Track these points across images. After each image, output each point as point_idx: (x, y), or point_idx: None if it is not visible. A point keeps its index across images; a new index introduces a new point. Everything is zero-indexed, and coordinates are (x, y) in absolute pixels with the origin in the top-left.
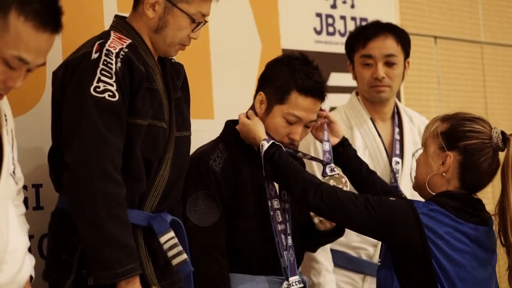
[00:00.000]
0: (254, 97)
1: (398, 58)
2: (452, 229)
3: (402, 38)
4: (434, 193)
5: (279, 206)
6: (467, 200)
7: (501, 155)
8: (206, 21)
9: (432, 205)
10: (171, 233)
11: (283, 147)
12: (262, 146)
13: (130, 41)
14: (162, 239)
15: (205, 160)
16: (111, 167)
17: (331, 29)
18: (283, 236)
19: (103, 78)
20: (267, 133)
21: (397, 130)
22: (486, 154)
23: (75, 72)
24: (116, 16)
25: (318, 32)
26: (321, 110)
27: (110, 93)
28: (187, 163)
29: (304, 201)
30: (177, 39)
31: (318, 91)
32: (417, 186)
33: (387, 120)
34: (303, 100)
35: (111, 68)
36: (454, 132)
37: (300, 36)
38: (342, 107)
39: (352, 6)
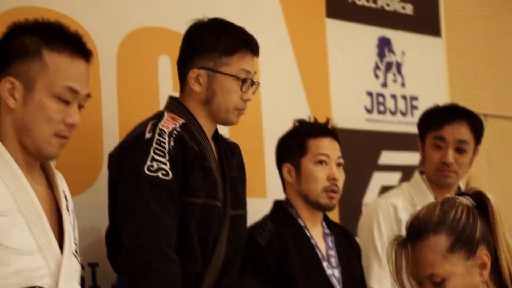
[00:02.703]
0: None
1: (470, 146)
2: None
3: (477, 126)
4: None
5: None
6: None
7: None
8: (254, 81)
9: None
10: None
11: None
12: None
13: (183, 121)
14: None
15: (251, 235)
16: (166, 246)
17: (381, 108)
18: None
19: (156, 157)
20: None
21: None
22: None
23: (130, 153)
24: (170, 97)
25: (369, 111)
26: None
27: (164, 172)
28: (244, 242)
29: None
30: (230, 104)
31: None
32: None
33: None
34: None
35: (164, 147)
36: (462, 234)
37: (351, 114)
38: (405, 185)
39: (403, 85)
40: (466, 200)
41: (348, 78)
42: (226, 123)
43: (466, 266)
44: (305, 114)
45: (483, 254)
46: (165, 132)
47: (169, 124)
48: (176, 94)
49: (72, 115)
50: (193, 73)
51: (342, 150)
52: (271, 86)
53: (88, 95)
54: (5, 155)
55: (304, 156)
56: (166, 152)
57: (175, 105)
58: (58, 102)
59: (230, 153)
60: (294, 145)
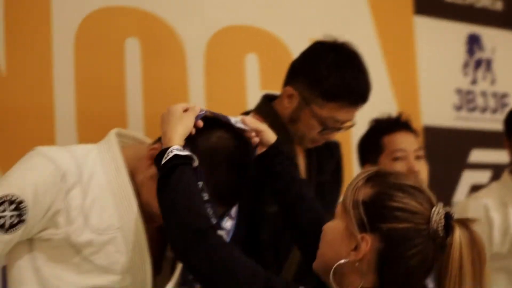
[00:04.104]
0: None
1: None
2: None
3: None
4: None
5: None
6: None
7: None
8: (341, 127)
9: None
10: None
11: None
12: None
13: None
14: None
15: None
16: None
17: (471, 105)
18: None
19: None
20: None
21: None
22: (417, 246)
23: None
24: (263, 96)
25: (458, 108)
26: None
27: None
28: None
29: (182, 250)
30: (308, 136)
31: None
32: (319, 269)
33: None
34: None
35: None
36: (378, 206)
37: (440, 112)
38: (495, 185)
39: (493, 82)
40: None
41: (437, 75)
42: (298, 144)
43: (347, 231)
44: (393, 112)
45: (364, 240)
46: None
47: None
48: (264, 91)
49: None
50: (288, 90)
51: (431, 149)
52: None
53: None
54: (123, 172)
55: (381, 155)
56: None
57: (264, 106)
58: None
59: (327, 154)
60: (370, 145)
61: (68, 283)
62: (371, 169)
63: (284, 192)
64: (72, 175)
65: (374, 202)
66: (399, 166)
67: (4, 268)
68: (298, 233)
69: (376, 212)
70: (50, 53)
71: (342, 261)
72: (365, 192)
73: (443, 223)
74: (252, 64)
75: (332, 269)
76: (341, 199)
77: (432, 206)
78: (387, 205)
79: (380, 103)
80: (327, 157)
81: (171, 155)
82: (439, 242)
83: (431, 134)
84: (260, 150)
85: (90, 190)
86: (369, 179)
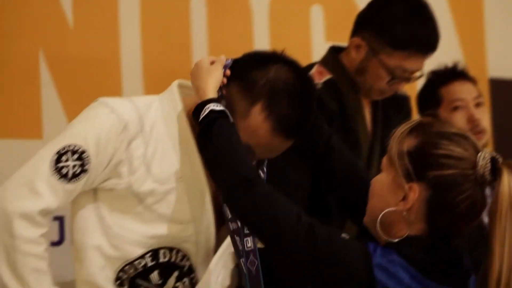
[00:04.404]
0: None
1: None
2: None
3: None
4: (389, 237)
5: None
6: (441, 252)
7: None
8: (412, 77)
9: (392, 254)
10: None
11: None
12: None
13: (329, 76)
14: None
15: None
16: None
17: None
18: None
19: None
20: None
21: None
22: (465, 191)
23: None
24: (330, 48)
25: None
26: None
27: None
28: None
29: (229, 198)
30: (376, 87)
31: None
32: (368, 222)
33: None
34: None
35: None
36: (424, 155)
37: (507, 64)
38: None
39: None
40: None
41: (504, 25)
42: (365, 97)
43: (394, 183)
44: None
45: (412, 189)
46: None
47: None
48: (329, 44)
49: None
50: (356, 41)
51: (497, 101)
52: None
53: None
54: (184, 122)
55: (440, 106)
56: None
57: (330, 58)
58: None
59: (395, 107)
60: (428, 98)
61: (132, 232)
62: (414, 120)
63: (313, 145)
64: (134, 125)
65: (419, 151)
66: (459, 116)
67: (62, 218)
68: (332, 184)
69: (422, 161)
70: (116, 4)
71: (390, 209)
72: (409, 143)
73: (489, 167)
74: (317, 16)
75: (379, 218)
76: None
77: (477, 151)
78: (433, 153)
79: (446, 55)
80: (395, 110)
81: (207, 111)
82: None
83: (497, 86)
84: None
85: (151, 140)
86: (413, 130)
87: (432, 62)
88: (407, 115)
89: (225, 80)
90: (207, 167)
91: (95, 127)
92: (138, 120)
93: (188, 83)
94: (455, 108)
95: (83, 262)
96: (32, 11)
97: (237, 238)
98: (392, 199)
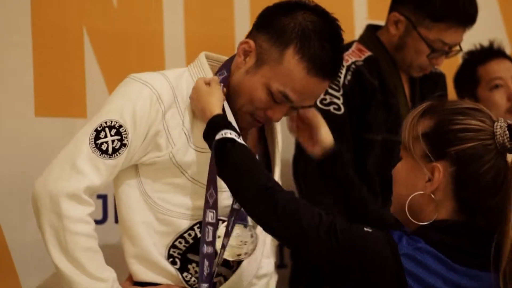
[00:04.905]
0: None
1: None
2: (442, 281)
3: None
4: (419, 222)
5: None
6: (468, 233)
7: None
8: (449, 51)
9: (419, 242)
10: None
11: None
12: (213, 124)
13: (369, 54)
14: None
15: None
16: None
17: None
18: None
19: (330, 90)
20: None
21: None
22: (488, 161)
23: None
24: (368, 26)
25: None
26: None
27: (336, 106)
28: None
29: (252, 208)
30: (415, 62)
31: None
32: (396, 211)
33: None
34: None
35: (338, 81)
36: (441, 133)
37: None
38: None
39: None
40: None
41: None
42: (406, 73)
43: (415, 167)
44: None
45: (436, 168)
46: (343, 66)
47: (351, 57)
48: (371, 22)
49: (275, 112)
50: (394, 16)
51: None
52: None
53: (309, 106)
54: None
55: (478, 86)
56: (340, 86)
57: (368, 36)
58: (268, 96)
59: (432, 84)
60: (466, 78)
61: (177, 205)
62: (423, 104)
63: (346, 198)
64: (167, 96)
65: (436, 130)
66: (499, 95)
67: (105, 197)
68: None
69: (440, 140)
70: None
71: (417, 193)
72: (423, 125)
73: (508, 135)
74: None
75: (407, 202)
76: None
77: (493, 122)
78: (450, 129)
79: (489, 30)
80: (432, 87)
81: (218, 137)
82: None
83: None
84: (313, 148)
85: (187, 110)
86: (424, 113)
87: (477, 39)
88: (443, 92)
89: (224, 97)
90: (228, 186)
91: (129, 101)
92: (170, 91)
93: (214, 55)
94: (494, 87)
95: (134, 239)
96: None
97: None
98: (418, 183)
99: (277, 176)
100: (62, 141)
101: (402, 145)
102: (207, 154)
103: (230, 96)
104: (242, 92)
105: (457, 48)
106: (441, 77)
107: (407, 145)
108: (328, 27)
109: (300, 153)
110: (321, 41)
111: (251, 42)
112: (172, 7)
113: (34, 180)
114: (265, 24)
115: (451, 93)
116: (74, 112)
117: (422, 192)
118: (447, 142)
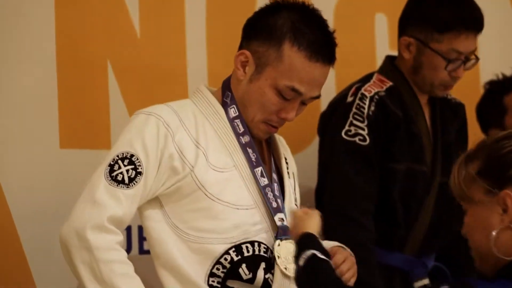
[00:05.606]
0: None
1: None
2: None
3: None
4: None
5: None
6: None
7: None
8: (467, 59)
9: (508, 284)
10: (426, 280)
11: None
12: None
13: (390, 84)
14: (416, 285)
15: None
16: (357, 212)
17: None
18: None
19: (355, 122)
20: None
21: None
22: None
23: (332, 114)
24: (387, 57)
25: None
26: None
27: (361, 137)
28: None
29: None
30: (436, 80)
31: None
32: (481, 259)
33: None
34: None
35: (363, 112)
36: (495, 162)
37: None
38: None
39: None
40: None
41: None
42: (431, 94)
43: (484, 208)
44: None
45: (507, 195)
46: (366, 97)
47: (373, 87)
48: (394, 53)
49: (288, 111)
50: (404, 40)
51: None
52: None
53: (316, 97)
54: (222, 113)
55: (505, 115)
56: (364, 117)
57: (388, 66)
58: (278, 96)
59: (451, 114)
60: (492, 108)
61: (207, 231)
62: (461, 155)
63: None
64: (172, 120)
65: (488, 162)
66: None
67: (129, 228)
68: None
69: (497, 167)
70: (182, 15)
71: (497, 229)
72: (473, 167)
73: None
74: (381, 24)
75: (493, 247)
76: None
77: None
78: (502, 154)
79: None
80: (451, 117)
81: (305, 257)
82: None
83: None
84: None
85: (199, 132)
86: (467, 159)
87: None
88: (463, 122)
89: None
90: None
91: (136, 133)
92: (174, 115)
93: (211, 88)
94: None
95: (174, 271)
96: (101, 22)
97: None
98: (493, 221)
99: (288, 187)
100: (87, 173)
101: (460, 199)
102: (225, 174)
103: (240, 110)
104: (251, 101)
105: (474, 58)
106: (460, 107)
107: (465, 196)
108: (313, 15)
109: (322, 184)
110: (311, 28)
111: (246, 52)
112: (195, 40)
113: (59, 212)
114: (253, 30)
115: (471, 123)
116: (99, 143)
117: (502, 226)
118: (505, 166)
